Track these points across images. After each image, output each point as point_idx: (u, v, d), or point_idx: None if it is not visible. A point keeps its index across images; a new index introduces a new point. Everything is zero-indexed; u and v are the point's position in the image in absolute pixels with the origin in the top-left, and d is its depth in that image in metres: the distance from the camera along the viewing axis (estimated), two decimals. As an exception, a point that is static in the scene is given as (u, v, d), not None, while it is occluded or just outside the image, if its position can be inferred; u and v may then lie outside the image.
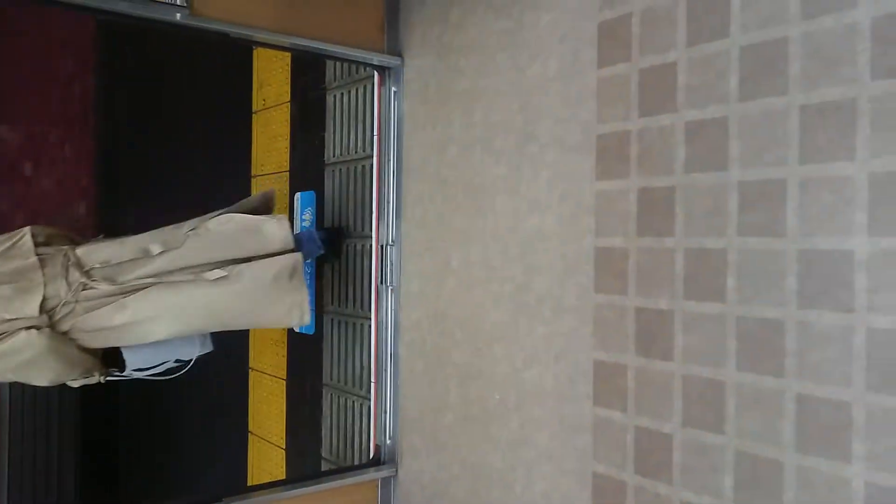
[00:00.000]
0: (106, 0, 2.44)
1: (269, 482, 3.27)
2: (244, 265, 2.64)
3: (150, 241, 2.60)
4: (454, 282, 2.84)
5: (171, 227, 2.71)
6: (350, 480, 3.08)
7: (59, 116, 3.64)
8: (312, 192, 3.65)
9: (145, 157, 3.88)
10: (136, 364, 2.66)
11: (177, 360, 2.77)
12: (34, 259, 2.37)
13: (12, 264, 2.35)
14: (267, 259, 2.68)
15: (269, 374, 3.77)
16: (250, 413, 4.03)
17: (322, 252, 3.34)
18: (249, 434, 4.04)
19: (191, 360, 2.79)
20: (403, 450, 3.13)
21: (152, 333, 2.53)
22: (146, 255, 2.55)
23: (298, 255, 2.75)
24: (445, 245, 2.88)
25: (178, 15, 2.56)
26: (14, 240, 2.43)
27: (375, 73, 3.21)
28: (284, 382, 3.82)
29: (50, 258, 2.41)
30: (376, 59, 3.14)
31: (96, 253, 2.53)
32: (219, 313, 2.64)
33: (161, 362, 2.71)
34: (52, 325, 2.37)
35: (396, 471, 3.15)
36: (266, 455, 3.92)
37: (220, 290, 2.58)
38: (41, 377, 2.43)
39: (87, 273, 2.45)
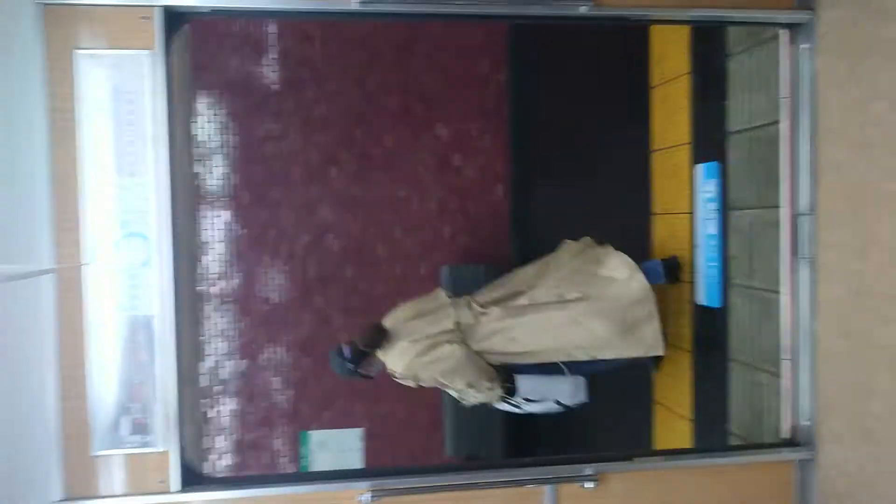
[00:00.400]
0: (521, 7, 2.76)
1: (677, 448, 3.36)
2: (601, 287, 3.34)
3: (530, 279, 3.43)
4: (882, 254, 2.55)
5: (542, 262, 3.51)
6: (763, 458, 3.00)
7: (478, 112, 4.12)
8: (716, 162, 3.58)
9: (551, 140, 4.21)
10: (526, 391, 3.23)
11: (557, 402, 3.25)
12: (447, 300, 3.35)
13: (432, 304, 3.34)
14: (621, 283, 3.36)
15: (674, 346, 3.83)
16: (655, 384, 4.15)
17: (663, 282, 3.64)
18: (655, 404, 4.16)
19: (569, 406, 3.28)
20: (822, 434, 2.93)
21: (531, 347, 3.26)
22: (527, 287, 3.39)
23: (649, 286, 3.36)
24: (870, 213, 2.60)
25: (583, 8, 2.76)
26: (432, 296, 3.39)
27: (781, 32, 3.02)
28: (689, 354, 3.84)
29: (455, 301, 3.37)
30: (783, 16, 2.95)
31: (488, 293, 3.40)
32: (582, 332, 3.28)
33: (545, 398, 3.25)
34: (464, 342, 3.19)
35: (815, 454, 2.97)
36: (671, 425, 4.00)
37: (583, 309, 3.27)
38: (459, 381, 3.16)
39: (482, 304, 3.33)
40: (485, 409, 3.33)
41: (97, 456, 2.65)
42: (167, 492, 2.68)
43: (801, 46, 2.95)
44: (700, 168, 3.69)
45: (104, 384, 2.65)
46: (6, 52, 2.54)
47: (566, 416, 3.26)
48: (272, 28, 3.23)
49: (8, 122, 2.54)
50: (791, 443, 3.04)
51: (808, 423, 3.00)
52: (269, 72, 3.44)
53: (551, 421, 3.32)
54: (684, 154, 3.89)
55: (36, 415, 2.61)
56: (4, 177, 2.53)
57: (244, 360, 2.93)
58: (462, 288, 3.52)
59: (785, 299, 3.07)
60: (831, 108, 2.82)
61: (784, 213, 3.05)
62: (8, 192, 2.54)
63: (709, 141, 3.69)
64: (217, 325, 3.31)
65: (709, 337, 3.72)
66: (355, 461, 3.00)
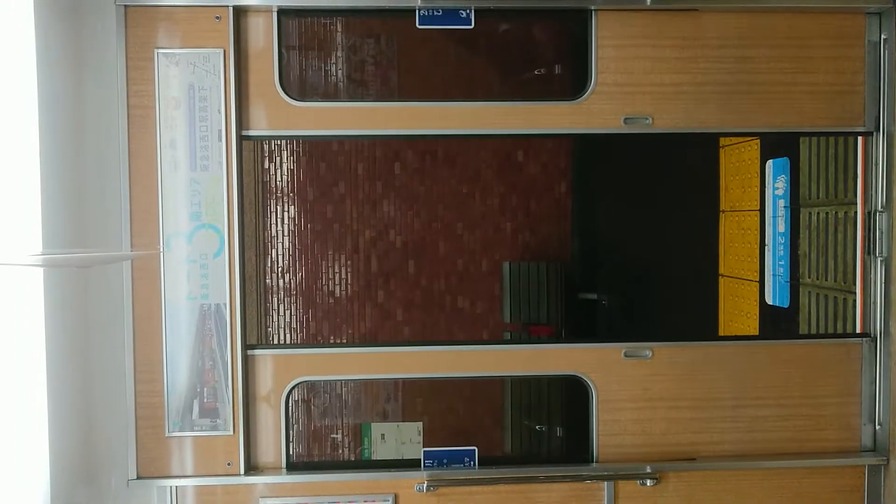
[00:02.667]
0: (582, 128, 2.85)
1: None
2: None
3: None
4: (964, 252, 2.44)
5: None
6: (831, 462, 2.91)
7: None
8: (786, 158, 3.47)
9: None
10: None
11: None
12: None
13: None
14: None
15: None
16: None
17: None
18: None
19: None
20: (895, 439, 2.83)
21: None
22: None
23: None
24: (952, 210, 2.49)
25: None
26: None
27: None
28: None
29: None
30: (861, 4, 2.85)
31: None
32: None
33: None
34: None
35: (888, 460, 2.86)
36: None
37: None
38: None
39: None
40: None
41: (170, 437, 2.78)
42: (236, 474, 2.79)
43: (883, 36, 2.85)
44: (770, 164, 3.59)
45: (177, 368, 2.77)
46: (90, 51, 2.69)
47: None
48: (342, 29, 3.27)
49: (92, 117, 2.69)
50: (862, 448, 2.95)
51: (879, 427, 2.90)
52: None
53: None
54: (755, 149, 3.78)
55: (113, 397, 2.75)
56: (88, 169, 2.69)
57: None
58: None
59: (858, 299, 2.96)
60: (910, 101, 2.71)
61: (858, 210, 2.95)
62: (90, 183, 2.69)
63: (780, 136, 3.56)
64: (283, 315, 3.40)
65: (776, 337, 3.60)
66: (415, 453, 3.06)
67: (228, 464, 2.80)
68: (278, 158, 3.01)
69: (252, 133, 2.81)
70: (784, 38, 2.88)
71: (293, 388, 2.87)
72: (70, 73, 2.61)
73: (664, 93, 2.87)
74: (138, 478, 2.77)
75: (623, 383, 2.91)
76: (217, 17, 2.72)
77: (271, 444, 2.87)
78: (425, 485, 2.79)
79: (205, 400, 2.79)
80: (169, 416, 2.78)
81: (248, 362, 2.82)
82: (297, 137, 2.94)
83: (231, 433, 2.79)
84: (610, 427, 2.92)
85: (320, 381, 2.96)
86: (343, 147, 3.04)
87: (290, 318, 3.08)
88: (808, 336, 3.01)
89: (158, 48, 2.72)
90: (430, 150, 3.05)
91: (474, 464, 2.92)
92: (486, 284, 3.22)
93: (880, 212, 2.86)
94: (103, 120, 2.71)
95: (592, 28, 2.83)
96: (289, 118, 2.82)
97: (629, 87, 2.86)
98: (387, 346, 2.97)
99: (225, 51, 2.72)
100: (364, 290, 3.23)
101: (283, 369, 2.86)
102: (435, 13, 2.82)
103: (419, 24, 2.85)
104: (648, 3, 2.79)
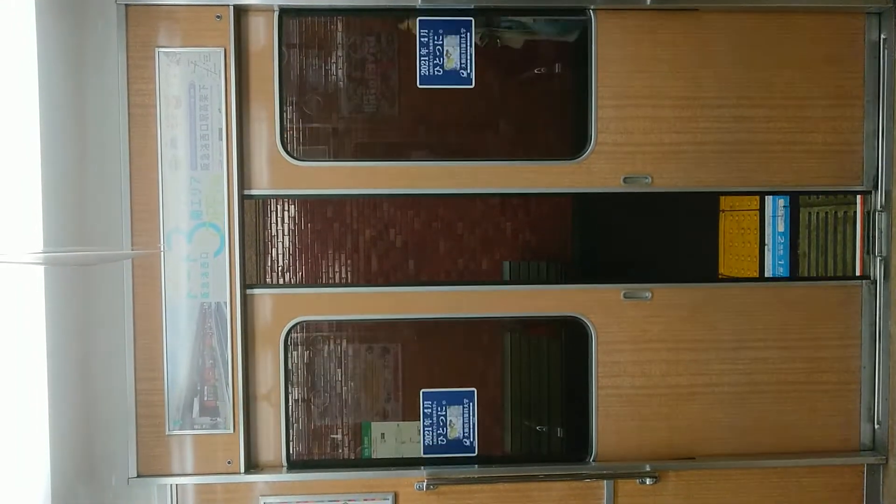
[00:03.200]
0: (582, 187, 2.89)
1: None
2: None
3: None
4: (964, 252, 2.44)
5: None
6: (830, 461, 2.92)
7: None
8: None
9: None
10: None
11: None
12: None
13: None
14: None
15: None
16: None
17: None
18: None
19: None
20: (894, 438, 2.83)
21: None
22: None
23: None
24: (951, 209, 2.49)
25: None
26: None
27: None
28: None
29: None
30: (860, 4, 2.86)
31: None
32: None
33: None
34: None
35: (887, 459, 2.87)
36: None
37: None
38: None
39: None
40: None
41: (171, 435, 2.78)
42: (236, 472, 2.79)
43: (882, 36, 2.86)
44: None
45: (178, 367, 2.77)
46: (91, 49, 2.69)
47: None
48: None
49: (92, 115, 2.70)
50: (861, 447, 2.96)
51: (879, 427, 2.91)
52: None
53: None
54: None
55: (113, 395, 2.76)
56: (89, 167, 2.69)
57: (307, 351, 3.02)
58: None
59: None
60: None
61: (857, 209, 2.96)
62: (91, 182, 2.70)
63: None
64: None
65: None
66: (415, 451, 3.06)
67: (229, 462, 2.80)
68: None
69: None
70: (782, 97, 2.92)
71: (291, 328, 2.87)
72: (71, 72, 2.61)
73: (663, 152, 2.90)
74: (139, 476, 2.78)
75: (622, 325, 2.92)
76: (218, 17, 2.72)
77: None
78: (425, 483, 2.80)
79: (205, 398, 2.79)
80: (169, 415, 2.78)
81: (247, 352, 2.83)
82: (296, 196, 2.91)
83: (231, 431, 2.79)
84: (609, 369, 2.93)
85: (318, 320, 2.93)
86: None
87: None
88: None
89: (159, 47, 2.72)
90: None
91: (473, 406, 2.94)
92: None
93: (880, 211, 2.87)
94: (104, 118, 2.71)
95: (592, 87, 2.87)
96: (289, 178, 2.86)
97: (629, 146, 2.89)
98: (385, 287, 2.92)
99: (226, 50, 2.73)
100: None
101: (281, 308, 2.87)
102: (436, 72, 2.88)
103: (420, 84, 2.90)
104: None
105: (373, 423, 3.03)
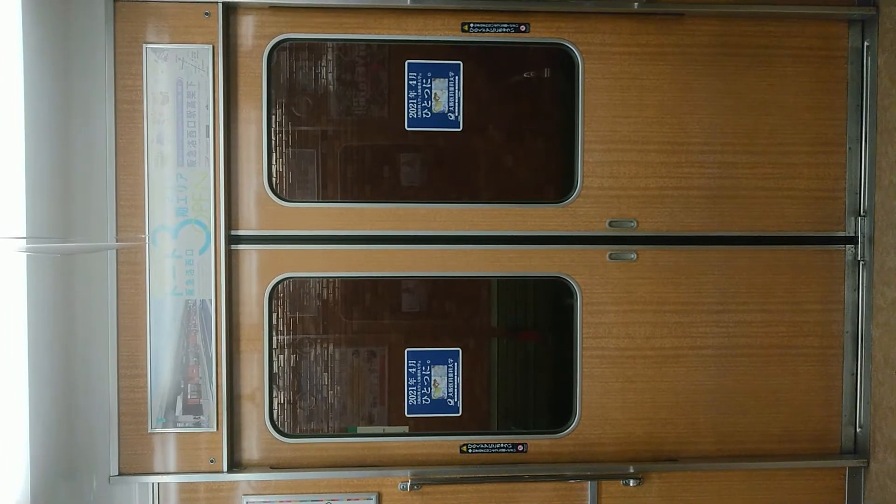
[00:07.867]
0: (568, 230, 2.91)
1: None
2: None
3: None
4: (944, 256, 2.47)
5: None
6: (812, 464, 2.94)
7: None
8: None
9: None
10: None
11: None
12: None
13: None
14: None
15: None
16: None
17: None
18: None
19: None
20: (876, 442, 2.85)
21: None
22: None
23: None
24: (932, 214, 2.53)
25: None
26: None
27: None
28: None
29: None
30: (843, 11, 2.89)
31: None
32: None
33: None
34: None
35: (868, 463, 2.89)
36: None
37: None
38: None
39: None
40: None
41: (153, 433, 2.76)
42: (218, 471, 2.78)
43: (865, 43, 2.90)
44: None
45: (161, 364, 2.76)
46: (78, 44, 2.68)
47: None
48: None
49: (79, 110, 2.68)
50: (843, 450, 2.98)
51: (860, 430, 2.93)
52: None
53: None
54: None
55: (95, 391, 2.74)
56: (75, 162, 2.67)
57: (294, 354, 3.01)
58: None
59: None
60: (891, 108, 2.75)
61: (840, 215, 2.99)
62: (77, 177, 2.68)
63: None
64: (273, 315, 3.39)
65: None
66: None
67: (212, 461, 2.79)
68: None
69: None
70: (766, 143, 2.95)
71: (278, 283, 2.86)
72: (58, 67, 2.60)
73: (649, 196, 2.92)
74: (120, 474, 2.75)
75: (607, 286, 2.92)
76: (206, 14, 2.72)
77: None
78: (409, 483, 2.79)
79: (188, 396, 2.77)
80: (152, 412, 2.76)
81: (231, 350, 2.81)
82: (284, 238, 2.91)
83: (214, 430, 2.78)
84: (595, 329, 2.94)
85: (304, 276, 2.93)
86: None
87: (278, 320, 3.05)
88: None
89: (147, 43, 2.71)
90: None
91: (458, 366, 2.96)
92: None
93: (861, 216, 2.90)
94: (91, 113, 2.70)
95: (579, 132, 2.89)
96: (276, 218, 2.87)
97: (615, 190, 2.91)
98: (372, 244, 2.90)
99: (214, 47, 2.72)
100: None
101: (266, 265, 2.87)
102: (424, 115, 2.91)
103: (408, 127, 2.91)
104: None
105: (359, 428, 3.03)
